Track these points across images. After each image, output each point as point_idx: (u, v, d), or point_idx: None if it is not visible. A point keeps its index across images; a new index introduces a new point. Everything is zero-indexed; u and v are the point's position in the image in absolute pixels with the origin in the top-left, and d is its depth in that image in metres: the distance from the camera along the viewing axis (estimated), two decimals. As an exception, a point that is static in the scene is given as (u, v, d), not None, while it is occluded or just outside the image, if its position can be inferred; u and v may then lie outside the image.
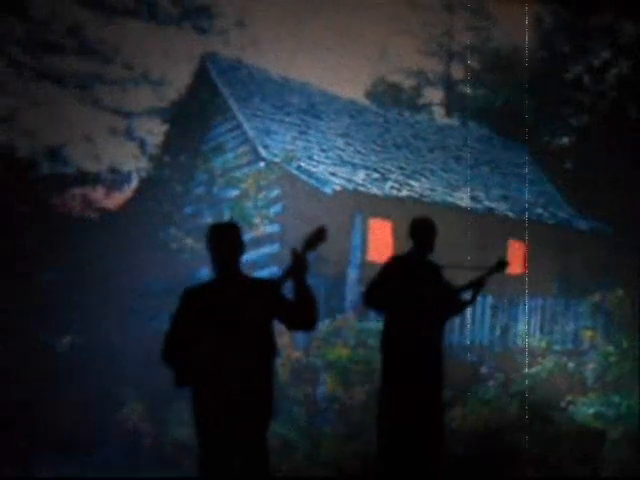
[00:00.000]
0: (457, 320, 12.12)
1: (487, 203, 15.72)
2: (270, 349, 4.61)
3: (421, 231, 6.00)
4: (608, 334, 13.09)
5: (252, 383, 4.49)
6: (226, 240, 4.61)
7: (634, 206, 16.28)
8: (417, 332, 5.76)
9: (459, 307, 6.17)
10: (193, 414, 4.61)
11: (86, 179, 14.69)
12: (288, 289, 4.57)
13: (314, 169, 13.99)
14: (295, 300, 4.55)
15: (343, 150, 15.61)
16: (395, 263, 5.98)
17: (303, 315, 4.58)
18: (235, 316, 4.51)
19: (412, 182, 15.29)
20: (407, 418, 5.74)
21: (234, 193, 14.05)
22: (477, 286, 6.01)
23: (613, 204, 17.31)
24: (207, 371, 4.52)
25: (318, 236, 4.51)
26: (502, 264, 6.04)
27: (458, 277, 6.10)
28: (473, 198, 15.62)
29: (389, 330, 5.87)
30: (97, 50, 15.94)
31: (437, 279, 6.02)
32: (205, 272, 14.62)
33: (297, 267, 4.49)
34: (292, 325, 4.65)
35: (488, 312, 13.04)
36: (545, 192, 18.32)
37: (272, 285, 4.59)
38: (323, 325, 11.35)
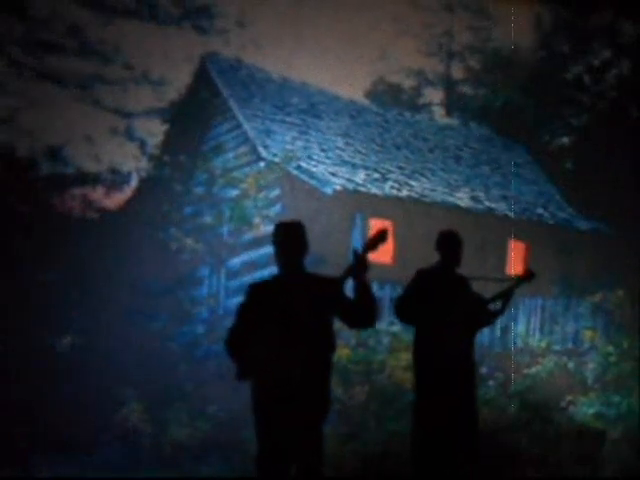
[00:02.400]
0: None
1: (487, 203, 15.71)
2: (329, 345, 4.73)
3: (448, 243, 5.98)
4: (608, 334, 13.08)
5: (311, 377, 4.58)
6: (291, 238, 4.72)
7: (634, 206, 16.27)
8: (448, 345, 5.78)
9: (489, 318, 6.18)
10: (252, 406, 4.69)
11: (86, 179, 14.70)
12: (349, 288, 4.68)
13: (314, 169, 13.98)
14: (355, 298, 4.66)
15: (343, 150, 15.61)
16: (423, 276, 5.98)
17: (363, 313, 4.70)
18: (298, 312, 4.60)
19: (412, 182, 15.29)
20: (441, 431, 5.76)
21: (234, 193, 14.05)
22: (506, 297, 6.06)
23: (613, 204, 17.30)
24: (268, 364, 4.60)
25: (379, 237, 4.68)
26: (530, 275, 6.10)
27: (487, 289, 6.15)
28: (473, 198, 15.62)
29: (420, 344, 5.89)
30: (97, 50, 15.97)
31: (466, 291, 6.03)
32: (204, 272, 14.67)
33: (358, 266, 4.64)
34: (352, 323, 4.76)
35: (488, 312, 13.03)
36: (545, 192, 18.32)
37: (333, 283, 4.68)
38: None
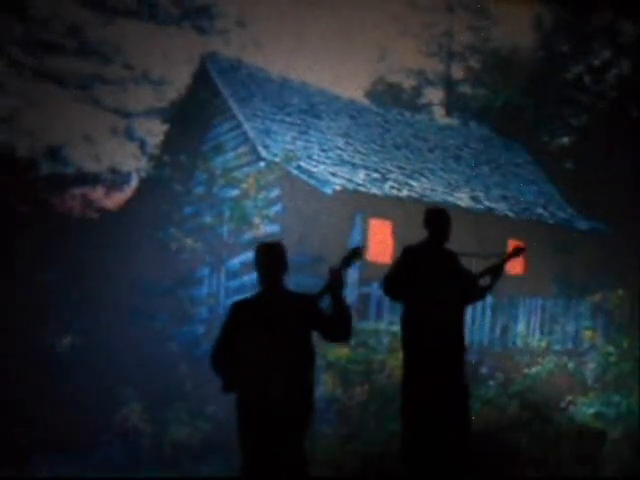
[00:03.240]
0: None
1: (487, 203, 15.72)
2: (310, 358, 4.96)
3: (435, 220, 6.02)
4: (608, 334, 13.08)
5: (294, 390, 4.80)
6: (271, 258, 5.01)
7: (634, 206, 16.27)
8: (437, 321, 5.81)
9: (478, 293, 6.19)
10: (237, 418, 4.92)
11: (86, 179, 14.72)
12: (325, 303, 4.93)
13: (314, 169, 13.98)
14: (332, 314, 4.91)
15: (343, 150, 15.61)
16: (411, 253, 6.02)
17: (339, 328, 4.94)
18: (279, 327, 4.84)
19: (412, 182, 15.29)
20: (430, 406, 5.76)
21: (234, 193, 14.05)
22: (496, 272, 6.05)
23: (613, 204, 17.30)
24: (252, 379, 4.82)
25: (354, 255, 4.94)
26: (519, 250, 6.12)
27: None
28: (473, 198, 15.62)
29: (409, 320, 5.92)
30: (97, 50, 15.97)
31: (454, 267, 6.05)
32: (204, 272, 14.68)
33: (334, 283, 4.89)
34: (329, 337, 5.03)
35: (488, 312, 13.04)
36: (545, 192, 18.32)
37: (311, 300, 4.95)
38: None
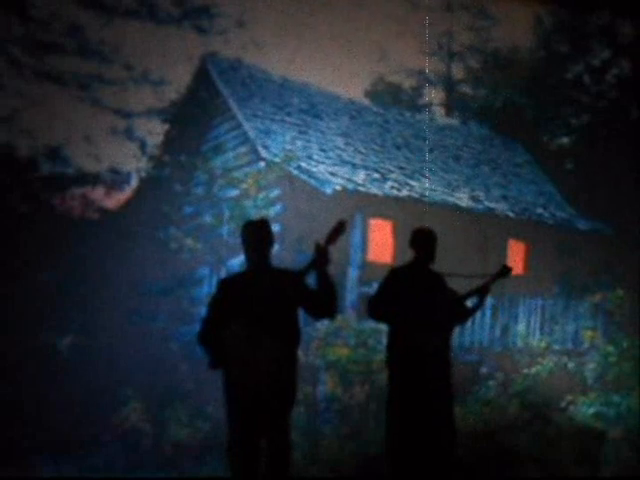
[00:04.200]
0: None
1: (487, 203, 15.72)
2: (295, 335, 4.97)
3: (422, 241, 5.96)
4: (608, 334, 13.08)
5: (279, 366, 4.84)
6: (258, 235, 5.03)
7: (634, 206, 16.27)
8: (422, 343, 5.73)
9: (465, 314, 6.13)
10: (224, 394, 4.97)
11: (86, 179, 14.70)
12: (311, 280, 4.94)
13: (314, 169, 13.98)
14: (318, 290, 4.92)
15: (343, 150, 15.61)
16: (396, 273, 5.96)
17: (325, 304, 4.97)
18: (265, 304, 4.88)
19: (412, 182, 15.29)
20: (415, 427, 5.71)
21: (234, 193, 14.05)
22: (482, 293, 5.99)
23: (613, 204, 17.29)
24: (238, 354, 4.84)
25: (338, 229, 4.90)
26: (506, 270, 6.01)
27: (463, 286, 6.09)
28: (473, 198, 15.62)
29: (394, 342, 5.84)
30: (97, 50, 15.93)
31: (440, 287, 5.98)
32: (204, 272, 14.67)
33: (320, 259, 4.86)
34: (315, 313, 5.04)
35: (488, 312, 13.04)
36: (545, 192, 18.31)
37: (297, 276, 4.95)
38: (323, 325, 11.36)
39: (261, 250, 5.01)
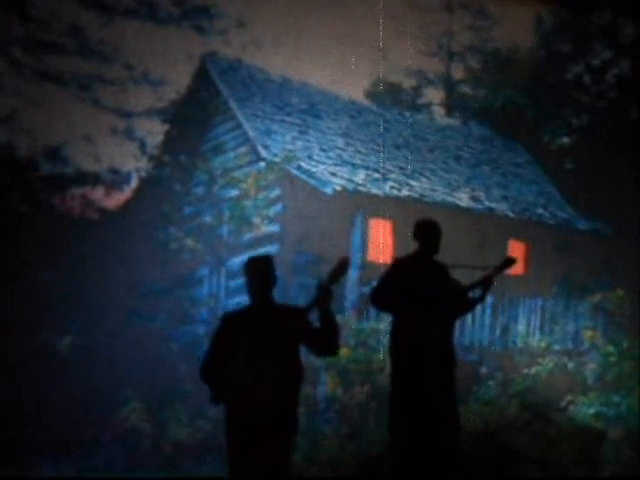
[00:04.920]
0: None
1: (487, 203, 15.71)
2: (298, 371, 4.99)
3: (426, 232, 6.00)
4: (608, 334, 13.08)
5: (281, 403, 4.83)
6: (261, 271, 5.02)
7: (634, 206, 16.26)
8: (426, 334, 5.72)
9: (468, 306, 6.11)
10: (225, 429, 4.93)
11: (86, 179, 14.70)
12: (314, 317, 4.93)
13: (314, 169, 13.98)
14: (320, 327, 4.94)
15: (343, 150, 15.61)
16: (400, 264, 5.96)
17: (327, 342, 4.98)
18: (270, 338, 4.87)
19: (412, 182, 15.29)
20: (420, 419, 5.68)
21: (234, 193, 14.04)
22: (486, 284, 5.95)
23: (613, 204, 17.29)
24: (240, 390, 4.82)
25: (341, 268, 4.92)
26: (510, 261, 5.99)
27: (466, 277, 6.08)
28: (473, 198, 15.62)
29: (398, 333, 5.84)
30: (97, 50, 15.92)
31: (444, 278, 5.97)
32: (204, 272, 14.66)
33: (323, 298, 4.89)
34: (317, 350, 5.08)
35: (488, 312, 13.04)
36: (545, 192, 18.31)
37: (301, 313, 4.96)
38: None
39: (264, 287, 5.01)
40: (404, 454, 5.71)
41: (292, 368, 4.93)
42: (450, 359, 5.88)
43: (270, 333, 4.87)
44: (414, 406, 5.69)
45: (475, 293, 6.06)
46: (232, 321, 5.08)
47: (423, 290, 5.80)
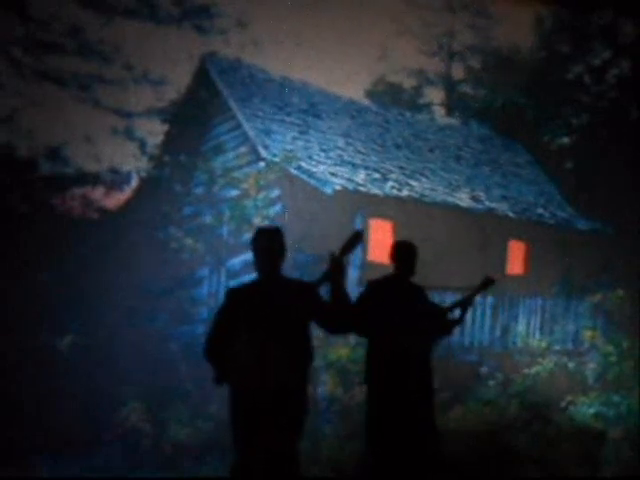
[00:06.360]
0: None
1: (487, 203, 15.72)
2: (307, 351, 4.65)
3: (402, 253, 5.79)
4: (608, 334, 13.08)
5: (288, 383, 4.52)
6: (270, 244, 4.68)
7: (634, 206, 16.27)
8: (406, 343, 5.58)
9: (446, 327, 5.95)
10: (230, 413, 4.63)
11: (86, 179, 14.72)
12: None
13: (314, 169, 13.99)
14: (332, 302, 4.57)
15: (343, 150, 15.61)
16: (376, 287, 5.79)
17: (340, 317, 4.61)
18: (275, 316, 4.55)
19: (412, 182, 15.29)
20: (397, 447, 5.53)
21: (234, 193, 14.05)
22: (465, 305, 5.83)
23: (613, 204, 17.30)
24: (245, 370, 4.53)
25: (354, 240, 4.59)
26: (488, 281, 5.84)
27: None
28: (473, 198, 15.62)
29: (373, 357, 5.66)
30: (97, 50, 15.95)
31: (421, 300, 5.82)
32: (204, 272, 14.68)
33: (334, 270, 4.55)
34: (329, 327, 4.68)
35: (488, 312, 13.04)
36: (545, 192, 18.31)
37: (310, 288, 4.63)
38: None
39: (272, 260, 4.66)
40: (384, 463, 5.62)
41: (299, 348, 4.59)
42: (429, 380, 5.71)
43: (276, 311, 4.56)
44: (392, 430, 5.52)
45: (454, 314, 5.90)
46: (236, 297, 4.74)
47: (400, 311, 5.63)
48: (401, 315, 5.64)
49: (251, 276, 4.93)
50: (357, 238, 4.58)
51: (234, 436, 4.60)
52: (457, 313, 5.89)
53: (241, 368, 4.55)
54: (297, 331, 4.60)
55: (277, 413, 4.51)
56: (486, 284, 5.85)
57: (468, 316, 12.65)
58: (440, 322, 5.88)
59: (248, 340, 4.56)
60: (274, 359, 4.51)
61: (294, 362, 4.56)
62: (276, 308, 4.57)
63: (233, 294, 4.80)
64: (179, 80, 16.66)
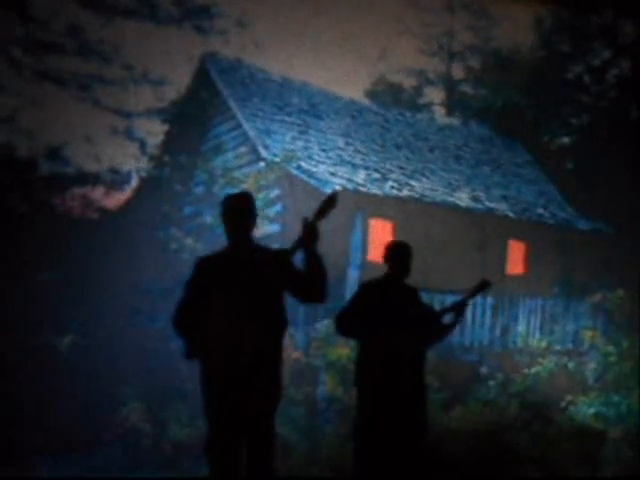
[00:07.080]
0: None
1: (487, 203, 15.71)
2: (280, 320, 4.46)
3: (397, 254, 5.73)
4: (608, 334, 13.09)
5: (262, 354, 4.35)
6: (238, 208, 4.51)
7: (634, 206, 16.27)
8: (399, 344, 5.53)
9: (441, 330, 5.88)
10: (201, 386, 4.51)
11: (86, 179, 14.72)
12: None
13: (314, 169, 13.98)
14: (306, 270, 4.39)
15: (343, 150, 15.61)
16: (369, 289, 5.73)
17: (314, 286, 4.41)
18: (247, 285, 4.37)
19: (412, 182, 15.29)
20: (386, 452, 5.50)
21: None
22: (460, 308, 5.76)
23: (613, 204, 17.30)
24: (217, 341, 4.37)
25: (329, 203, 4.39)
26: (484, 284, 5.77)
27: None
28: (473, 198, 15.62)
29: (365, 360, 5.61)
30: (97, 50, 15.94)
31: (414, 302, 5.76)
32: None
33: (308, 236, 4.36)
34: (303, 296, 4.47)
35: (488, 312, 13.04)
36: (545, 192, 18.32)
37: (283, 255, 4.44)
38: (323, 325, 11.35)
39: (242, 226, 4.46)
40: (377, 465, 5.57)
41: (273, 314, 4.39)
42: (421, 384, 5.67)
43: (247, 279, 4.35)
44: (382, 435, 5.48)
45: (448, 318, 5.83)
46: (206, 266, 4.56)
47: (392, 314, 5.56)
48: (395, 317, 5.58)
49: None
50: (332, 201, 4.39)
51: (207, 410, 4.48)
52: (450, 317, 5.81)
53: (214, 335, 4.36)
54: (270, 298, 4.41)
55: (252, 378, 4.33)
56: (482, 286, 5.78)
57: (468, 316, 12.73)
58: (433, 326, 5.79)
59: (220, 307, 4.36)
60: (248, 323, 4.31)
61: (268, 327, 4.38)
62: (248, 274, 4.37)
63: (202, 263, 4.63)
64: (179, 80, 16.67)
